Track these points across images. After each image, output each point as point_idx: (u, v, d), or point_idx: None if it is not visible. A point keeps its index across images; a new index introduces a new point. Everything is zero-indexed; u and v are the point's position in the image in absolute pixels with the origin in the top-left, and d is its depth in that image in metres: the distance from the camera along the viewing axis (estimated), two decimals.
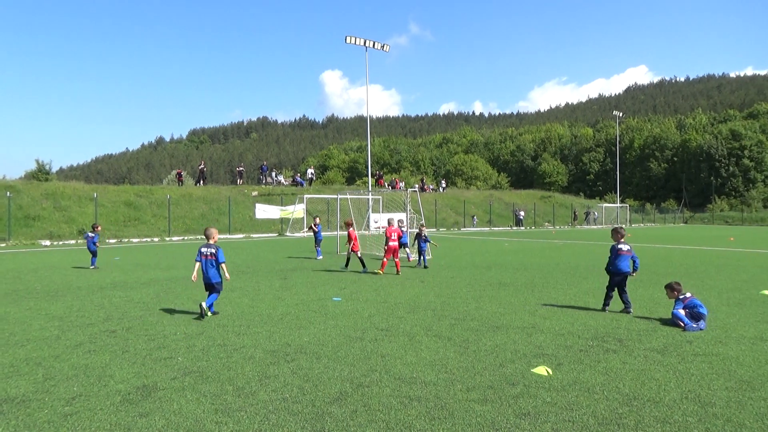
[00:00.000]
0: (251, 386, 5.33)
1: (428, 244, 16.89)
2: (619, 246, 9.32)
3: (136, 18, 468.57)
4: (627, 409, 4.76)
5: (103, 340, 7.24)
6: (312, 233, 20.53)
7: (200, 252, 8.91)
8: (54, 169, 43.86)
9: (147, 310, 9.48)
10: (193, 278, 9.17)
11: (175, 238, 32.44)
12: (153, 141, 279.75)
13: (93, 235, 16.69)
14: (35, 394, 5.10)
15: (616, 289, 9.30)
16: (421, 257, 16.42)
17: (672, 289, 8.55)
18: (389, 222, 16.04)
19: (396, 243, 14.99)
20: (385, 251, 15.10)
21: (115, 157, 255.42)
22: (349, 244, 15.49)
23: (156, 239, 31.76)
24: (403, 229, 20.27)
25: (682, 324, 7.86)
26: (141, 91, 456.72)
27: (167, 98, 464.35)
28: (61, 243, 27.95)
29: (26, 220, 30.38)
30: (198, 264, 8.95)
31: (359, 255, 15.44)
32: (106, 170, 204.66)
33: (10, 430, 4.30)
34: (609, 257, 9.42)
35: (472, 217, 53.35)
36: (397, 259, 14.97)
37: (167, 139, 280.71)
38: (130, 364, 6.08)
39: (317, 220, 20.26)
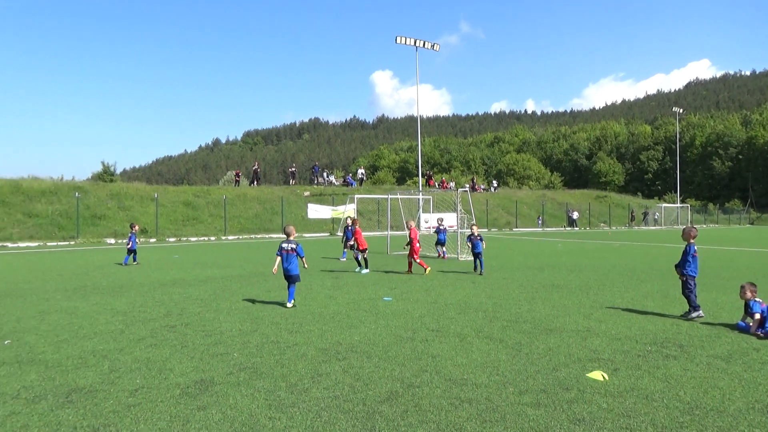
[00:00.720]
0: (304, 383, 5.42)
1: (482, 244, 15.27)
2: (696, 247, 9.03)
3: (192, 26, 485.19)
4: (688, 418, 4.57)
5: (164, 334, 7.54)
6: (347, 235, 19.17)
7: (281, 247, 9.76)
8: (118, 171, 45.93)
9: (204, 306, 9.79)
10: (273, 271, 9.90)
11: (230, 237, 33.34)
12: (210, 143, 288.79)
13: (131, 233, 17.63)
14: (101, 385, 5.36)
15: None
16: (477, 261, 15.11)
17: (747, 290, 8.09)
18: (408, 225, 15.92)
19: (419, 245, 15.33)
20: (413, 253, 15.08)
21: (174, 159, 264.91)
22: (355, 243, 15.62)
23: (213, 238, 32.75)
24: (442, 227, 20.62)
25: (759, 322, 7.47)
26: (198, 95, 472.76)
27: (223, 101, 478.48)
28: (124, 241, 29.19)
29: (93, 219, 31.93)
30: (279, 258, 9.77)
31: (363, 255, 15.39)
32: (166, 171, 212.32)
33: (78, 418, 4.54)
34: (692, 259, 8.96)
35: (538, 217, 52.73)
36: (410, 260, 15.10)
37: (223, 140, 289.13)
38: (189, 359, 6.30)
39: (349, 221, 19.06)
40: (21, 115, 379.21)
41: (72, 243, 28.22)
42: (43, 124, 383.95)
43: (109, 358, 6.35)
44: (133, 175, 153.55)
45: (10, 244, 26.94)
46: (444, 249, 20.30)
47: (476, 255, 15.07)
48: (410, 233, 15.27)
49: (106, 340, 7.24)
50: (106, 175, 40.36)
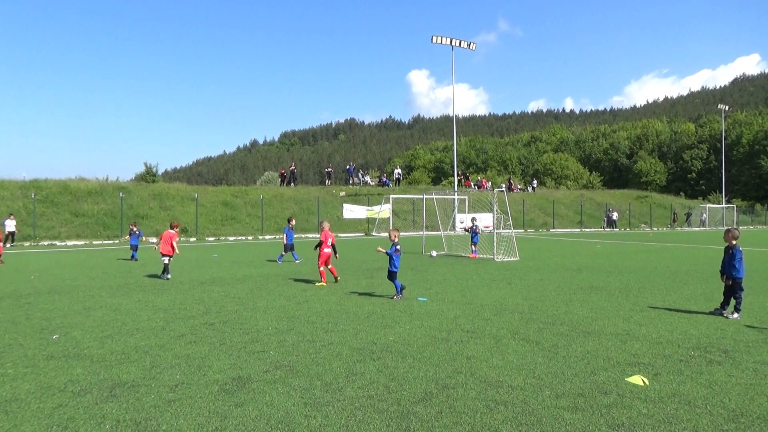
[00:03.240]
0: (338, 382, 5.46)
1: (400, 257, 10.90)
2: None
3: (230, 28, 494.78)
4: (733, 425, 4.42)
5: (203, 332, 7.71)
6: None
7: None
8: (160, 171, 47.17)
9: (242, 304, 9.97)
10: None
11: (267, 237, 33.81)
12: (248, 144, 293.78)
13: (137, 231, 19.63)
14: (143, 380, 5.52)
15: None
16: (394, 281, 10.78)
17: None
18: (322, 225, 13.35)
19: (330, 250, 12.78)
20: (318, 259, 12.82)
21: (213, 160, 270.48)
22: (159, 246, 13.97)
23: (250, 237, 33.27)
24: (476, 226, 20.71)
25: None
26: (236, 97, 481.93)
27: (260, 102, 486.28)
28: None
29: (136, 219, 32.78)
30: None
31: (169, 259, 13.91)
32: (205, 172, 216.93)
33: (121, 411, 4.68)
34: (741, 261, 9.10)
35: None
36: (330, 266, 12.81)
37: (260, 141, 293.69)
38: (227, 356, 6.42)
39: (293, 222, 18.24)
40: (69, 119, 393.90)
41: (116, 242, 29.10)
42: (89, 127, 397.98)
43: (151, 354, 6.53)
44: (174, 175, 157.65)
45: (58, 243, 27.98)
46: (476, 249, 20.36)
47: (391, 275, 10.74)
48: (321, 235, 12.98)
49: (147, 336, 7.44)
50: (148, 175, 41.48)
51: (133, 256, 19.10)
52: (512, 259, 19.22)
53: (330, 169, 56.75)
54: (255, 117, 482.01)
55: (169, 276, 13.77)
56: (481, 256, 20.36)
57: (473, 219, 21.93)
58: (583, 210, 53.93)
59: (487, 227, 31.55)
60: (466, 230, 23.01)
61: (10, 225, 26.58)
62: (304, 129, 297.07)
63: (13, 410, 4.71)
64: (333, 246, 12.87)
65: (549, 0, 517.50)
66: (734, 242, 9.16)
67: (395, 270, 10.71)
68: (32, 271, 15.66)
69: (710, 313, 9.17)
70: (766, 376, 5.71)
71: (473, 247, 20.40)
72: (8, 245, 25.64)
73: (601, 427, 4.37)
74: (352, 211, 40.95)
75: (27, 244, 27.39)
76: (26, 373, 5.76)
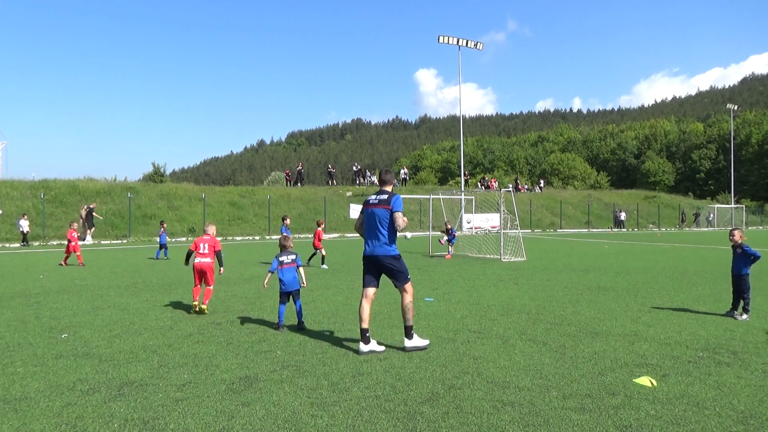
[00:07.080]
0: (345, 382, 5.47)
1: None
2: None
3: (236, 29, 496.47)
4: (742, 428, 4.39)
5: (210, 331, 7.73)
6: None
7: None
8: (168, 172, 47.34)
9: (249, 304, 10.00)
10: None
11: (274, 237, 33.88)
12: (255, 144, 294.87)
13: (163, 230, 20.47)
14: (151, 379, 5.54)
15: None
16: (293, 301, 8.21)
17: None
18: (205, 230, 9.73)
19: (206, 260, 9.15)
20: (194, 272, 9.25)
21: (221, 160, 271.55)
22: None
23: (257, 237, 33.36)
24: (450, 227, 21.11)
25: None
26: (243, 97, 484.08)
27: (268, 103, 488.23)
28: (173, 240, 30.06)
29: (144, 219, 33.03)
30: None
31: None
32: (213, 172, 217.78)
33: (129, 410, 4.70)
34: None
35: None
36: (210, 287, 9.26)
37: (267, 141, 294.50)
38: (234, 356, 6.44)
39: (287, 221, 16.86)
40: (78, 120, 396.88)
41: (124, 242, 29.26)
42: (98, 128, 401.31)
43: (159, 353, 6.56)
44: (181, 175, 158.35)
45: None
46: (451, 248, 20.95)
47: (290, 294, 8.13)
48: (194, 242, 9.49)
49: (155, 335, 7.48)
50: (156, 176, 41.62)
51: (165, 254, 19.78)
52: (519, 259, 19.17)
53: (332, 170, 56.56)
54: (262, 117, 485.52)
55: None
56: (488, 256, 20.33)
57: (447, 222, 22.44)
58: (591, 210, 53.71)
59: (494, 227, 31.51)
60: (440, 241, 22.38)
61: (24, 225, 26.91)
62: (311, 129, 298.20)
63: (22, 408, 4.74)
64: (218, 255, 9.31)
65: (558, 0, 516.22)
66: (744, 239, 9.14)
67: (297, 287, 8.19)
68: (41, 270, 15.78)
69: (724, 314, 9.10)
70: None
71: (450, 247, 20.88)
72: (20, 245, 25.90)
73: (609, 429, 4.35)
74: (358, 211, 40.99)
75: (36, 243, 27.58)
76: (35, 372, 5.80)
